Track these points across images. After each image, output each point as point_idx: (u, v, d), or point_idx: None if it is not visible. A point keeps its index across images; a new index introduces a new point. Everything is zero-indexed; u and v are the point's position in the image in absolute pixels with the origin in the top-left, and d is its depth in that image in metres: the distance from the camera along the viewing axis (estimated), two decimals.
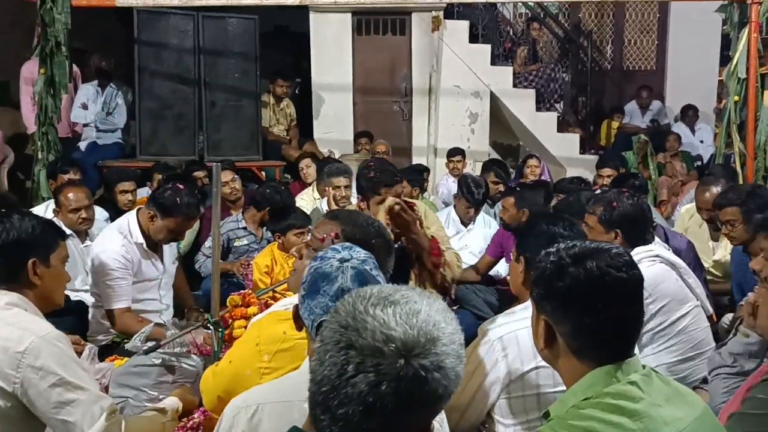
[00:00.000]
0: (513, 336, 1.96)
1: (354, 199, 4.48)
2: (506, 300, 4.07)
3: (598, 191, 4.32)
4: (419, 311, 1.00)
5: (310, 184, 5.79)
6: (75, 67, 6.45)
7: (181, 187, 3.45)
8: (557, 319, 1.44)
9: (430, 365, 0.96)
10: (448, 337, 1.00)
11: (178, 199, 3.36)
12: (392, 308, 1.00)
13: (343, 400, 0.96)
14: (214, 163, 2.64)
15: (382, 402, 0.94)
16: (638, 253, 2.53)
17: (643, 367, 1.40)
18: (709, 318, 2.76)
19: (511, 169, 7.73)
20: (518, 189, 4.52)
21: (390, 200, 3.06)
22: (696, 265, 3.56)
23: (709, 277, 3.92)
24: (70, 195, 3.85)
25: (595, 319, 1.39)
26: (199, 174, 5.57)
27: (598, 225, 2.75)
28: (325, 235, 1.94)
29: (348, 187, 4.64)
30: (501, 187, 5.87)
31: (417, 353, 0.96)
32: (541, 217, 2.44)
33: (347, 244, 1.61)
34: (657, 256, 2.65)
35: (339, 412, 0.96)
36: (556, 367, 1.49)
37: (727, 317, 3.12)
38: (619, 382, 1.34)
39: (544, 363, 1.86)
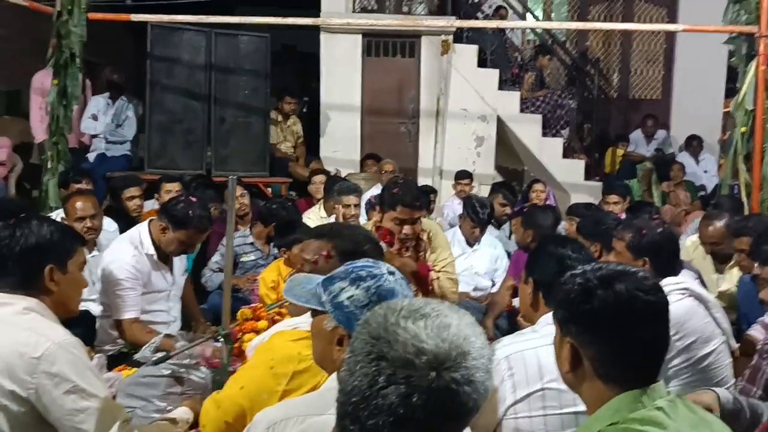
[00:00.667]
0: (520, 356, 1.96)
1: (362, 219, 4.51)
2: (514, 321, 4.08)
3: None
4: (450, 325, 1.02)
5: (318, 200, 5.81)
6: (86, 80, 6.50)
7: (194, 199, 3.47)
8: (583, 342, 1.42)
9: (461, 378, 0.98)
10: (478, 351, 1.01)
11: (190, 211, 3.37)
12: (423, 321, 1.01)
13: (374, 411, 0.96)
14: (230, 177, 2.66)
15: (412, 414, 0.95)
16: (667, 285, 2.47)
17: (668, 393, 1.40)
18: (732, 353, 2.73)
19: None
20: (526, 210, 4.54)
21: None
22: None
23: None
24: (77, 204, 3.84)
25: (623, 343, 1.38)
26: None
27: (626, 251, 2.71)
28: (317, 257, 1.91)
29: (357, 205, 4.66)
30: (508, 210, 5.91)
31: (448, 366, 0.97)
32: (550, 240, 2.44)
33: (368, 260, 1.61)
34: (686, 288, 2.61)
35: (369, 423, 0.97)
36: (579, 391, 1.47)
37: None
38: (645, 408, 1.33)
39: (550, 384, 1.88)
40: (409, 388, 0.95)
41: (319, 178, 6.23)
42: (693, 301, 2.59)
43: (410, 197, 3.19)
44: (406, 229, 3.22)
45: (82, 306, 3.75)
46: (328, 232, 2.02)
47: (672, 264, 2.70)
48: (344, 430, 1.02)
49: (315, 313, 1.59)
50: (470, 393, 0.99)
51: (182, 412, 2.31)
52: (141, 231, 3.47)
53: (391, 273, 1.54)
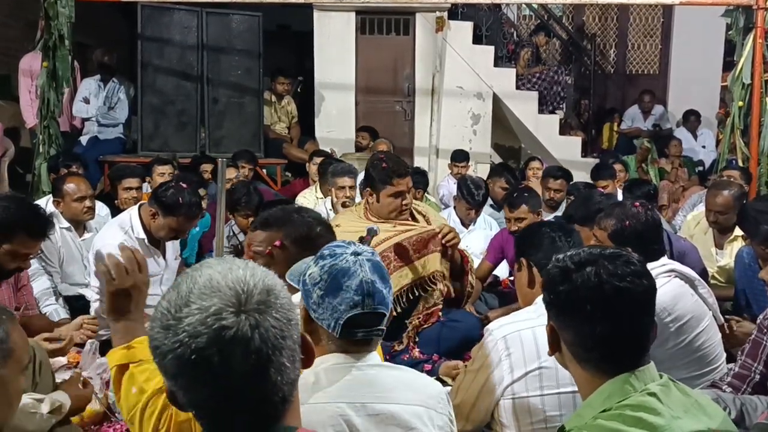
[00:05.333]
0: (517, 336, 1.96)
1: (358, 199, 4.47)
2: (508, 302, 4.07)
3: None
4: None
5: (316, 182, 5.77)
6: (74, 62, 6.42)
7: (184, 186, 3.42)
8: (560, 325, 1.42)
9: None
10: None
11: (180, 198, 3.33)
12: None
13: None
14: (220, 159, 2.62)
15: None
16: (653, 269, 2.45)
17: (661, 376, 1.37)
18: (720, 327, 2.72)
19: None
20: (524, 194, 4.30)
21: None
22: (700, 269, 3.54)
23: (712, 282, 3.91)
24: (74, 184, 3.88)
25: (593, 329, 1.36)
26: (207, 167, 5.57)
27: (607, 241, 2.65)
28: (269, 248, 1.84)
29: (353, 187, 4.61)
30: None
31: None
32: (540, 224, 2.46)
33: (345, 241, 1.59)
34: (672, 270, 2.58)
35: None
36: (571, 372, 1.47)
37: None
38: (637, 392, 1.31)
39: (547, 363, 1.89)
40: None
41: (319, 160, 6.16)
42: (680, 281, 2.57)
43: (401, 166, 3.20)
44: (407, 199, 3.22)
45: (77, 291, 3.77)
46: (276, 221, 1.92)
47: (656, 250, 2.66)
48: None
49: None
50: None
51: (57, 397, 2.10)
52: (131, 215, 3.44)
53: (356, 254, 1.52)
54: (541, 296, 2.00)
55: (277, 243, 1.82)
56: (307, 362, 1.03)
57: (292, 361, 0.96)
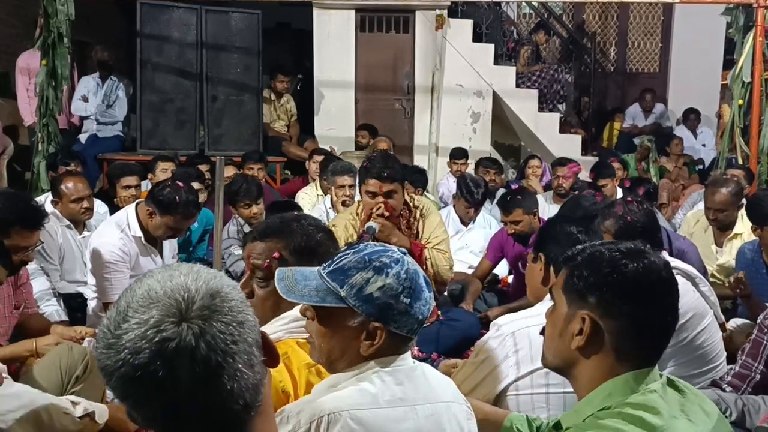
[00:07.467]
0: (526, 333, 1.95)
1: (357, 197, 4.47)
2: (507, 301, 4.06)
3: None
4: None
5: (314, 180, 5.77)
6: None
7: (181, 185, 3.41)
8: (611, 313, 1.34)
9: None
10: None
11: (177, 197, 3.32)
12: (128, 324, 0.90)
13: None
14: (218, 157, 2.61)
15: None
16: None
17: (660, 375, 1.36)
18: (721, 326, 2.71)
19: (512, 170, 7.72)
20: (518, 196, 4.12)
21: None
22: (700, 267, 3.52)
23: (712, 280, 3.90)
24: (72, 185, 3.84)
25: (654, 317, 1.34)
26: (202, 167, 5.54)
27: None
28: (268, 260, 1.75)
29: (353, 186, 4.61)
30: (497, 179, 6.16)
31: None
32: (560, 219, 2.44)
33: (376, 244, 1.54)
34: (674, 267, 2.58)
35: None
36: (575, 369, 1.40)
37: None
38: (638, 392, 1.29)
39: None
40: None
41: (320, 158, 6.14)
42: (682, 278, 2.56)
43: (377, 168, 3.15)
44: (379, 201, 3.18)
45: (76, 289, 3.77)
46: (274, 231, 1.82)
47: (659, 238, 2.67)
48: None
49: (324, 311, 1.47)
50: None
51: (92, 406, 2.08)
52: (129, 213, 3.43)
53: (404, 253, 1.50)
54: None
55: (276, 255, 1.74)
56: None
57: (249, 365, 0.90)
